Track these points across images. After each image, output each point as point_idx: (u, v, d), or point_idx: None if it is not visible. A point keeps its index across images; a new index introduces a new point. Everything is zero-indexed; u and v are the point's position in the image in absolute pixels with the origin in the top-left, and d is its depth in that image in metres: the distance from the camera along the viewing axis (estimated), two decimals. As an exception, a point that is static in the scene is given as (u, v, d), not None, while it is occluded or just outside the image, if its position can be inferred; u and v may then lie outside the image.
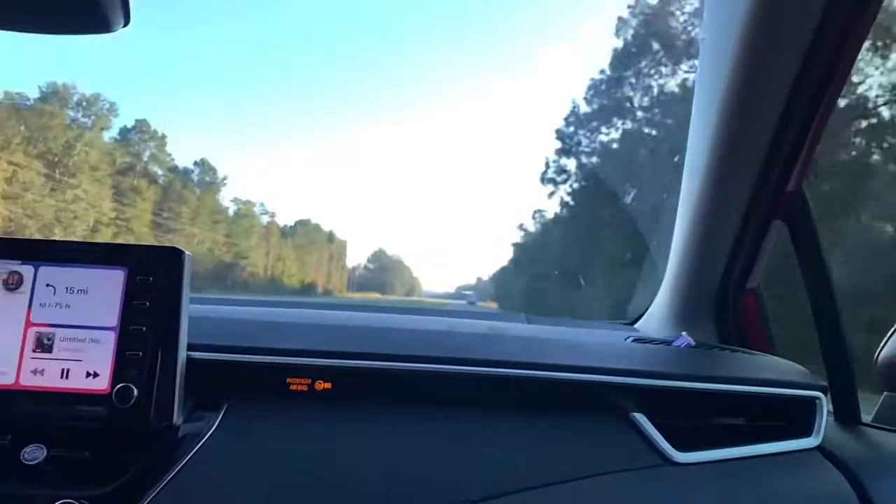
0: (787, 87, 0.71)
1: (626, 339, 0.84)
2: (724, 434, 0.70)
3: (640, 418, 0.67)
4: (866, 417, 0.82)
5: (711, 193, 0.82)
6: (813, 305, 0.79)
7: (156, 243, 0.61)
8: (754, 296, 0.90)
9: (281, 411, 0.63)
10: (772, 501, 0.66)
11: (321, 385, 0.65)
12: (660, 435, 0.67)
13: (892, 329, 0.85)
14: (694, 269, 0.90)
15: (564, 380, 0.68)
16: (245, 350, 0.65)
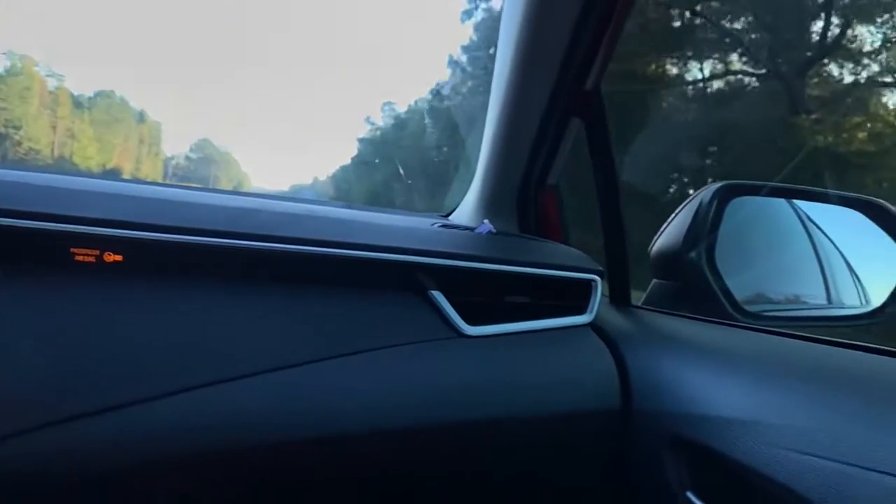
0: None
1: (431, 225, 0.86)
2: (513, 311, 0.77)
3: (437, 296, 0.71)
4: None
5: (514, 92, 0.84)
6: (599, 199, 0.86)
7: None
8: (553, 191, 0.97)
9: (64, 283, 0.57)
10: (546, 370, 0.74)
11: (111, 257, 0.59)
12: (454, 311, 0.71)
13: (664, 226, 0.96)
14: (499, 164, 0.94)
15: (365, 258, 0.68)
16: (22, 215, 0.56)
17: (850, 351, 0.64)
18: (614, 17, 0.74)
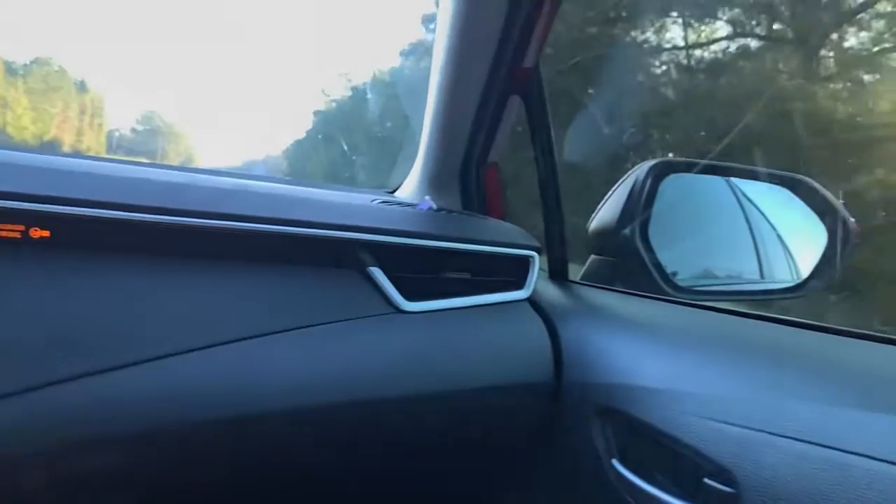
0: None
1: (372, 202, 0.86)
2: (453, 286, 0.78)
3: (376, 272, 0.71)
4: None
5: (453, 69, 0.83)
6: (539, 176, 0.87)
7: None
8: (495, 168, 0.97)
9: None
10: (484, 343, 0.76)
11: (37, 233, 0.58)
12: (393, 287, 0.72)
13: (601, 203, 0.99)
14: (441, 142, 0.94)
15: (303, 235, 0.68)
16: None
17: (765, 323, 0.67)
18: None
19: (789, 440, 0.50)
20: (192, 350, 0.59)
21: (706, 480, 0.54)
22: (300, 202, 0.75)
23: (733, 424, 0.54)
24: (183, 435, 0.58)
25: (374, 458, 0.72)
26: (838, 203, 0.97)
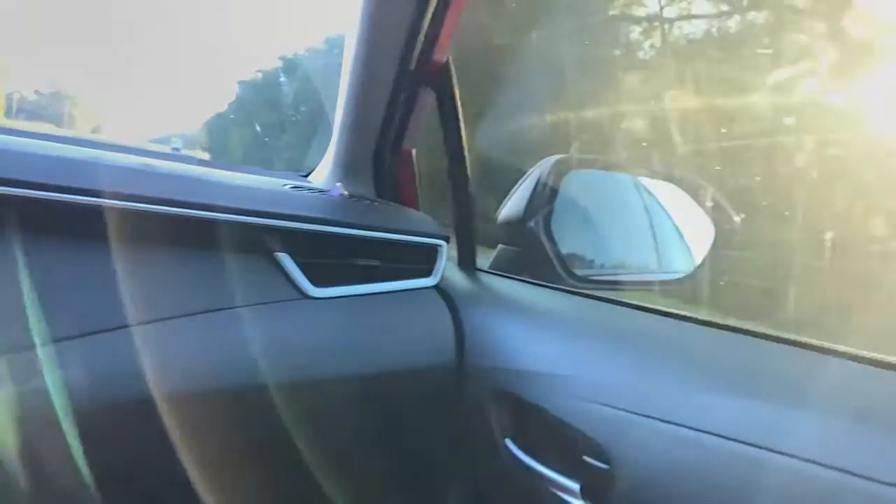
0: None
1: (283, 186, 0.85)
2: (362, 273, 0.79)
3: (284, 258, 0.72)
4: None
5: (365, 58, 0.84)
6: (449, 166, 0.90)
7: None
8: (409, 157, 0.99)
9: None
10: (390, 330, 0.78)
11: None
12: (300, 273, 0.72)
13: (509, 194, 1.02)
14: (354, 129, 0.94)
15: (210, 219, 0.67)
16: None
17: (648, 314, 0.73)
18: None
19: (656, 421, 0.55)
20: (94, 333, 0.58)
21: (585, 458, 0.59)
22: (208, 185, 0.74)
23: (611, 406, 0.59)
24: (88, 417, 0.57)
25: (283, 442, 0.73)
26: (723, 200, 1.05)
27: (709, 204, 1.07)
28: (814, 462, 0.44)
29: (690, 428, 0.52)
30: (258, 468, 0.74)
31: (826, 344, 0.57)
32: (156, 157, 0.88)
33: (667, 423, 0.54)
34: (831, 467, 0.43)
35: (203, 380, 0.63)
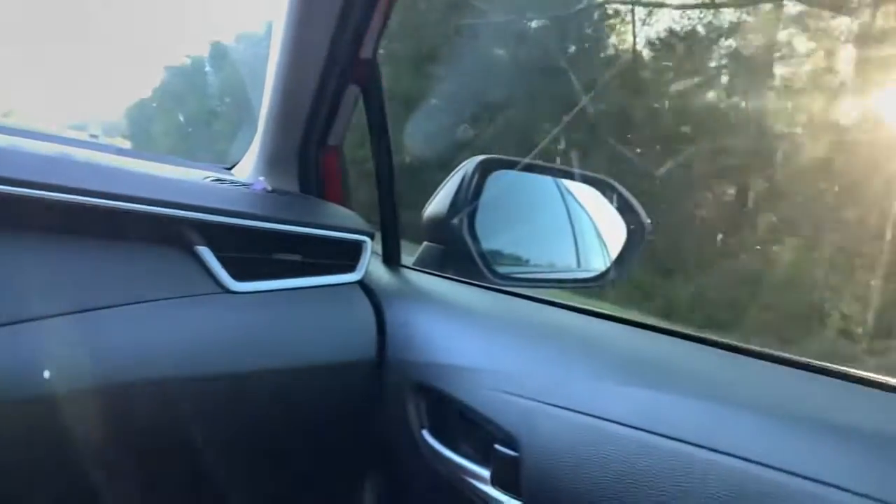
0: None
1: (204, 179, 0.84)
2: (285, 268, 0.79)
3: (204, 251, 0.71)
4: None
5: (291, 52, 0.84)
6: (375, 164, 0.91)
7: None
8: (335, 153, 0.99)
9: None
10: (312, 324, 0.78)
11: None
12: (221, 267, 0.72)
13: (435, 192, 1.04)
14: (279, 123, 0.94)
15: (128, 210, 0.66)
16: None
17: (561, 310, 0.77)
18: None
19: (563, 409, 0.58)
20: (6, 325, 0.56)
21: (496, 446, 0.61)
22: (127, 175, 0.72)
23: (521, 396, 0.62)
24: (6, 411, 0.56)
25: (203, 435, 0.72)
26: (636, 203, 1.11)
27: (624, 206, 1.13)
28: (698, 445, 0.48)
29: (593, 416, 0.55)
30: (171, 464, 0.73)
31: (726, 340, 0.62)
32: (73, 145, 0.85)
33: (572, 412, 0.57)
34: (713, 450, 0.47)
35: (119, 373, 0.62)
